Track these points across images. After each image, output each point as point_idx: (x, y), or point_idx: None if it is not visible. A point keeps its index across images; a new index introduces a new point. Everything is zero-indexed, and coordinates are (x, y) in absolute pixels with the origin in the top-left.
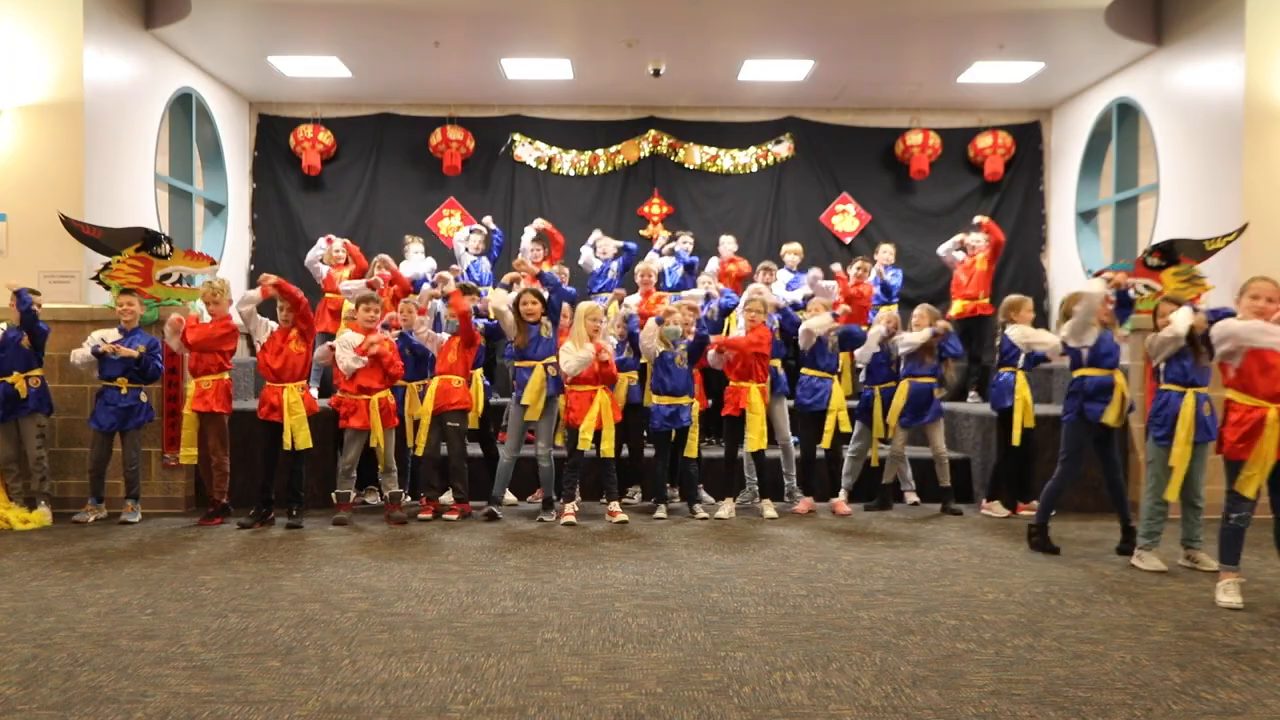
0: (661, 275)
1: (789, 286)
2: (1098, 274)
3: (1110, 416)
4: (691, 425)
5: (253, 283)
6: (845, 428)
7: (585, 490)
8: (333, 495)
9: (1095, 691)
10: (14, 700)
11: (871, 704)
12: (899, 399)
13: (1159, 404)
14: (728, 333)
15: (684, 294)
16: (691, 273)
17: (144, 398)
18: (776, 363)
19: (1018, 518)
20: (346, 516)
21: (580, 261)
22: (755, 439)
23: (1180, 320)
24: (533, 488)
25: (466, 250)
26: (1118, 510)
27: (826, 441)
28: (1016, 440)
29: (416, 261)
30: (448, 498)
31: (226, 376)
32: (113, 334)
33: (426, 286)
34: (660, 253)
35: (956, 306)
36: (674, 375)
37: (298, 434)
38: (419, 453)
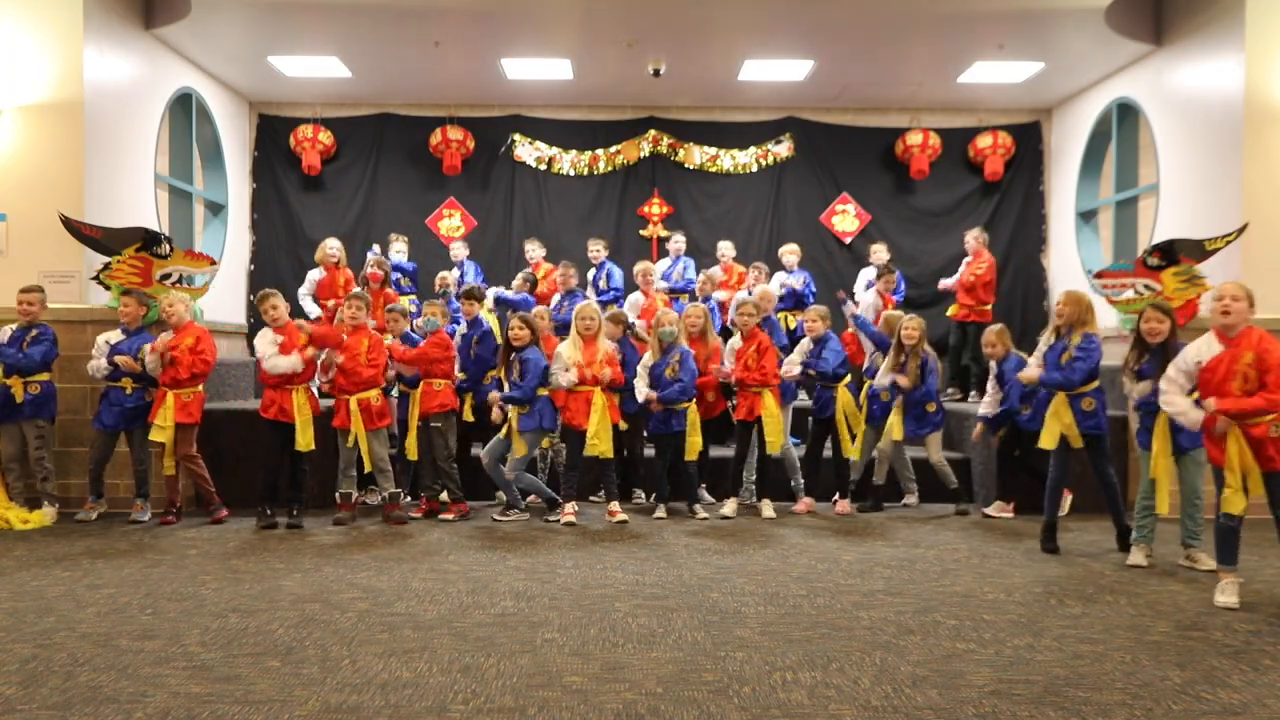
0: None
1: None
2: (1098, 274)
3: (1044, 440)
4: (691, 430)
5: (253, 283)
6: (860, 428)
7: (584, 490)
8: (336, 495)
9: (1095, 691)
10: (14, 700)
11: (871, 704)
12: (895, 415)
13: (1146, 410)
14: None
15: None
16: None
17: (148, 398)
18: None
19: (1019, 518)
20: (347, 516)
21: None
22: (774, 441)
23: (1192, 419)
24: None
25: (461, 257)
26: (1110, 510)
27: (853, 451)
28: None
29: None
30: (446, 497)
31: (202, 388)
32: (116, 334)
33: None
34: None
35: (953, 309)
36: (664, 383)
37: (303, 435)
38: (411, 456)
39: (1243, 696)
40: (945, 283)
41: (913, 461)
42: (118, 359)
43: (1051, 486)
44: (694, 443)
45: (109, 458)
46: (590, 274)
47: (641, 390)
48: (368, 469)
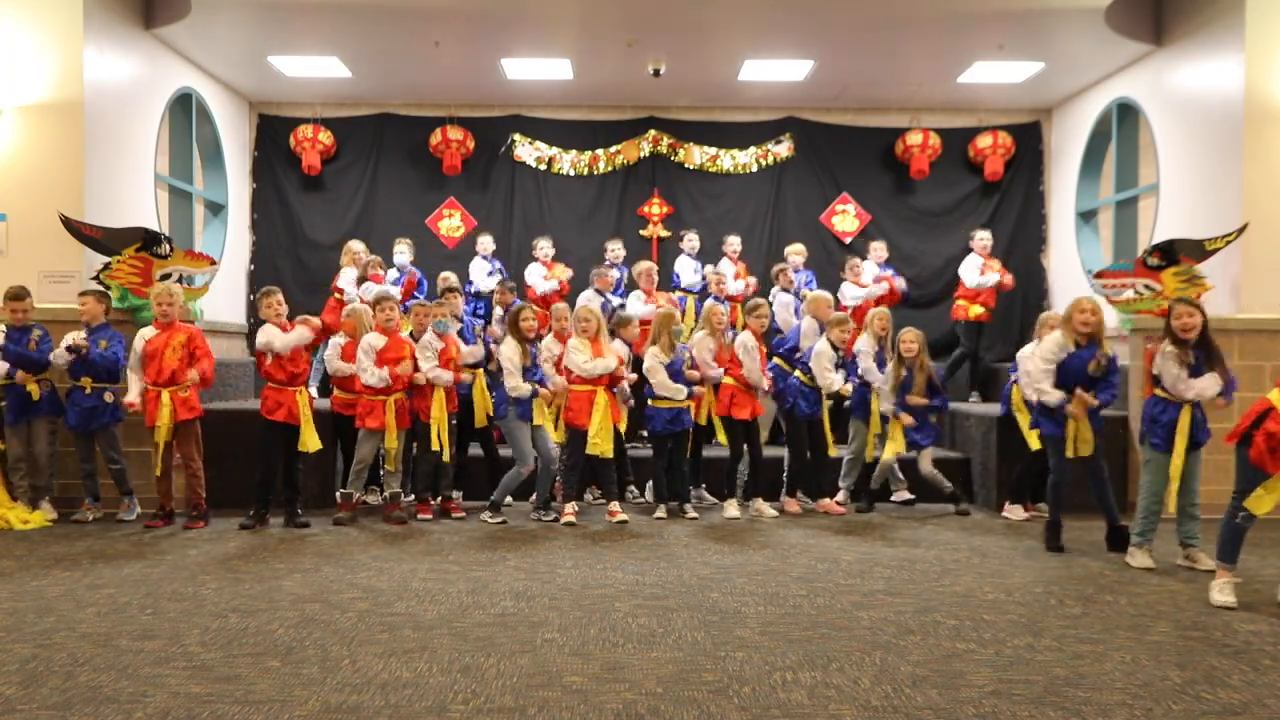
0: (676, 275)
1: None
2: (1098, 275)
3: (1069, 450)
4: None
5: (253, 283)
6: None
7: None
8: (338, 494)
9: (1095, 691)
10: (14, 700)
11: (871, 704)
12: (896, 428)
13: (1156, 410)
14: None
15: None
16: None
17: (109, 398)
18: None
19: (1027, 519)
20: (347, 516)
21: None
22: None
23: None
24: (531, 489)
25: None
26: (1102, 509)
27: (834, 449)
28: (1035, 444)
29: (400, 262)
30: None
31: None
32: (81, 334)
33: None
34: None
35: (976, 310)
36: (675, 380)
37: (310, 437)
38: (447, 458)
39: (1243, 696)
40: (993, 281)
41: (902, 469)
42: (77, 340)
43: (1054, 487)
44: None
45: (91, 457)
46: (612, 273)
47: (667, 384)
48: (390, 468)
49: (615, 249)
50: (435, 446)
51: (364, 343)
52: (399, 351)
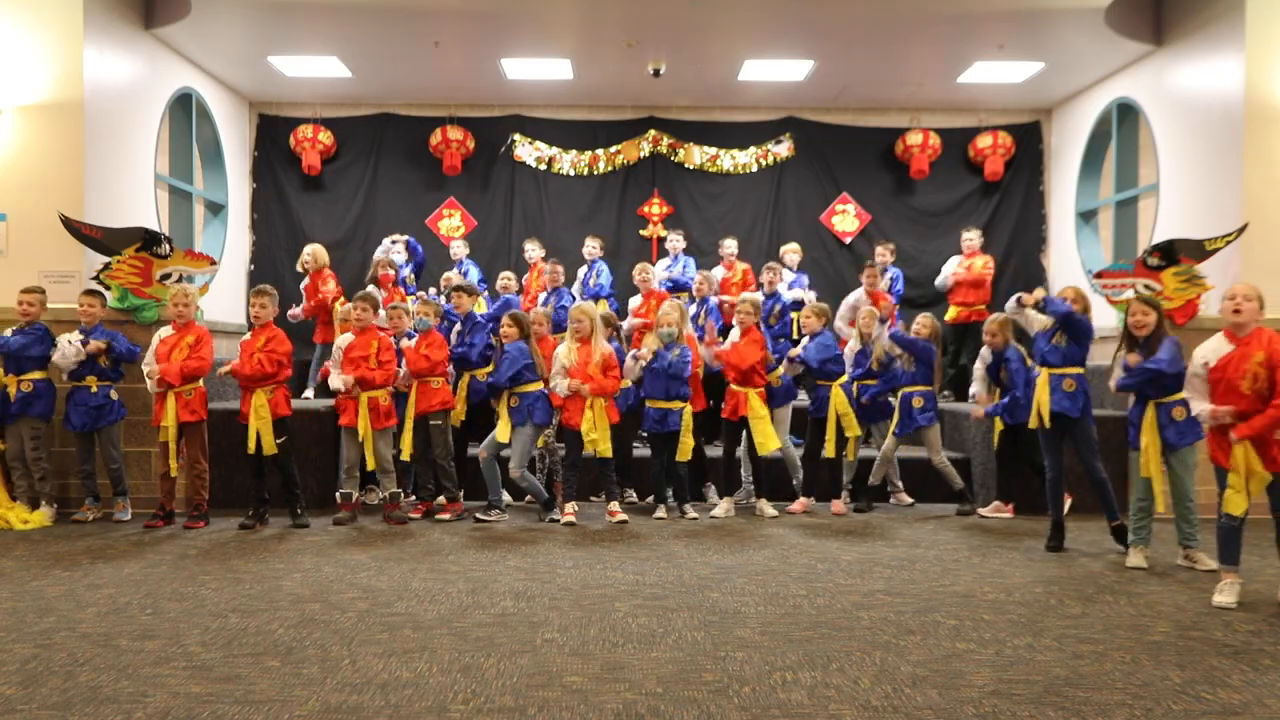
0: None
1: (790, 287)
2: (1098, 275)
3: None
4: (683, 430)
5: (252, 283)
6: (854, 431)
7: (584, 490)
8: (337, 495)
9: (1095, 691)
10: (14, 700)
11: (871, 704)
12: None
13: (1133, 411)
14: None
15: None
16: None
17: (114, 395)
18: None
19: (1017, 518)
20: (347, 516)
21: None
22: (764, 443)
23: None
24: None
25: (461, 255)
26: (1102, 507)
27: (830, 450)
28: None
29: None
30: (443, 499)
31: (202, 383)
32: (75, 335)
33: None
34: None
35: (952, 312)
36: (664, 381)
37: (263, 438)
38: (404, 457)
39: (1243, 696)
40: (948, 278)
41: (914, 461)
42: (94, 344)
43: (1051, 485)
44: (686, 444)
45: (92, 458)
46: (581, 271)
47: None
48: (371, 468)
49: (593, 247)
50: (403, 446)
51: (336, 345)
52: (365, 350)
